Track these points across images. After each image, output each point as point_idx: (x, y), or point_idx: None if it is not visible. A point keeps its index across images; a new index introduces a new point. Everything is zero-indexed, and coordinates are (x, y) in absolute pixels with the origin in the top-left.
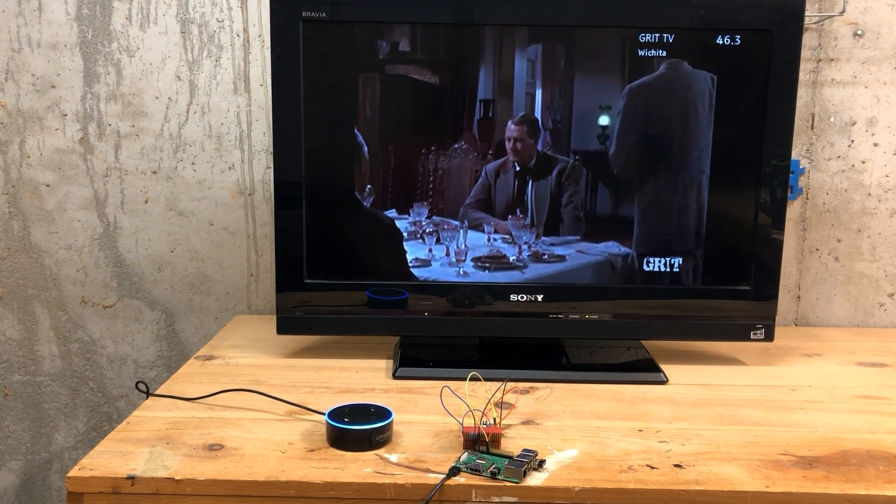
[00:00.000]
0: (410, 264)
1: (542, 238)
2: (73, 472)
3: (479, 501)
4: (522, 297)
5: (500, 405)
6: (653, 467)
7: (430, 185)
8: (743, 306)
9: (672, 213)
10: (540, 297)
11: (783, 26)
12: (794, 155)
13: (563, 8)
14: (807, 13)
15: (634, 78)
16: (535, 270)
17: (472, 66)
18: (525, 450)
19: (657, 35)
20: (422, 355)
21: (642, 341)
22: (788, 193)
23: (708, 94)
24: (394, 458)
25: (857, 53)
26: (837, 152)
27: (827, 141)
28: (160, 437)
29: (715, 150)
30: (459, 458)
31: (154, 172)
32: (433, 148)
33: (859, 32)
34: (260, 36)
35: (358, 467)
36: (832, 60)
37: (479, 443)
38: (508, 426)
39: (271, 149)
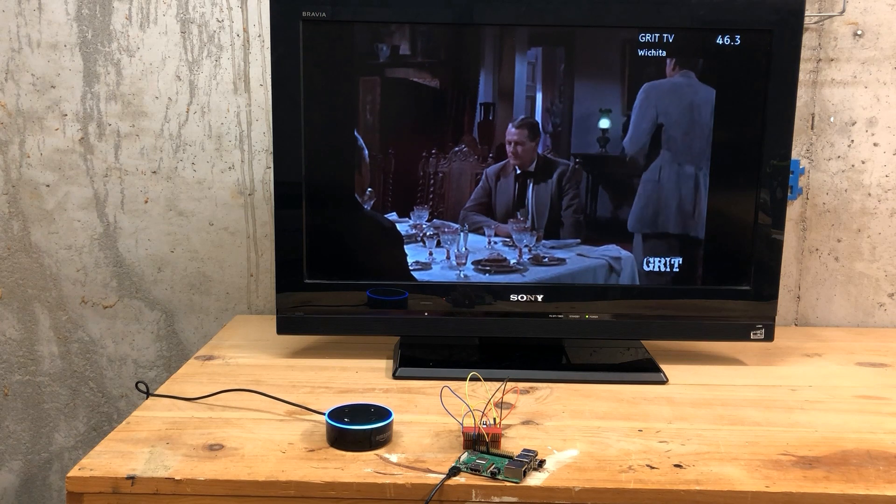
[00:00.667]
0: (411, 267)
1: (543, 241)
2: (73, 472)
3: (479, 501)
4: (522, 297)
5: (500, 405)
6: (653, 467)
7: (431, 189)
8: (743, 306)
9: (672, 213)
10: (540, 297)
11: (783, 26)
12: (794, 155)
13: (563, 8)
14: (807, 13)
15: (635, 79)
16: (535, 274)
17: (473, 69)
18: (525, 450)
19: (657, 35)
20: (422, 355)
21: (642, 341)
22: (788, 193)
23: (711, 104)
24: (394, 458)
25: (857, 53)
26: (837, 152)
27: (827, 141)
28: (160, 437)
29: (715, 150)
30: (459, 458)
31: (154, 172)
32: (434, 151)
33: (859, 32)
34: (260, 36)
35: (358, 467)
36: (832, 60)
37: (479, 443)
38: (508, 426)
39: (271, 149)
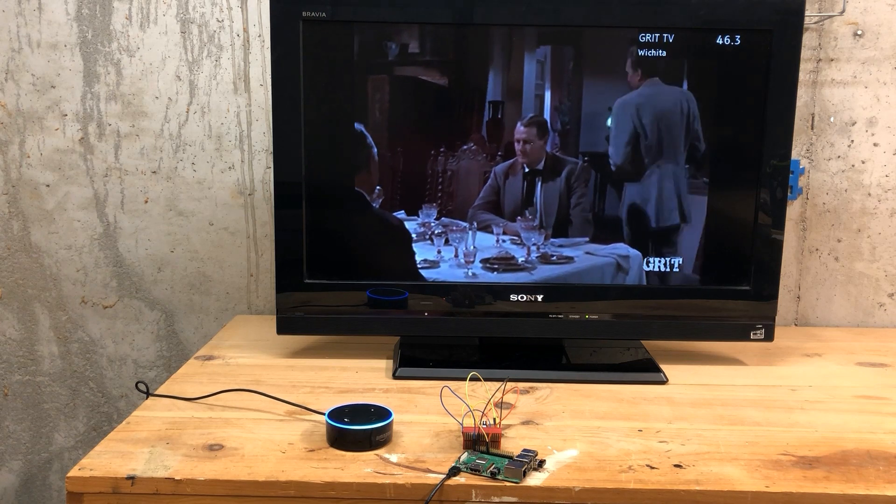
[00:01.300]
0: (419, 265)
1: (551, 239)
2: (73, 472)
3: (479, 501)
4: (522, 297)
5: (500, 405)
6: (653, 467)
7: (440, 187)
8: (743, 306)
9: (672, 212)
10: (540, 297)
11: (783, 26)
12: (794, 155)
13: (562, 8)
14: (807, 13)
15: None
16: (543, 272)
17: (481, 68)
18: (525, 450)
19: (657, 35)
20: (422, 355)
21: (642, 341)
22: (788, 193)
23: (684, 105)
24: (394, 458)
25: (857, 53)
26: (837, 152)
27: (827, 141)
28: (160, 437)
29: (715, 150)
30: (459, 458)
31: (154, 172)
32: (442, 149)
33: (859, 32)
34: (260, 36)
35: (358, 467)
36: (832, 60)
37: (479, 443)
38: (508, 426)
39: (271, 149)
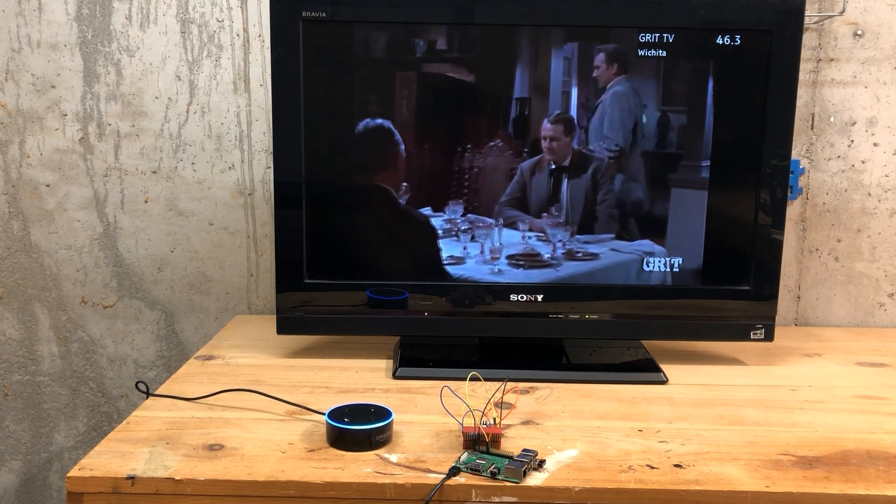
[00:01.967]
0: (445, 262)
1: (577, 236)
2: (73, 472)
3: (479, 501)
4: (522, 297)
5: (500, 405)
6: (653, 467)
7: (466, 184)
8: (743, 306)
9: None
10: (540, 297)
11: (783, 26)
12: (794, 155)
13: (562, 8)
14: (807, 13)
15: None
16: (568, 268)
17: (508, 65)
18: (525, 450)
19: (657, 35)
20: (422, 355)
21: (642, 341)
22: (788, 193)
23: (655, 102)
24: (394, 458)
25: (857, 53)
26: (837, 152)
27: (827, 141)
28: (160, 437)
29: (715, 149)
30: (459, 458)
31: (154, 172)
32: (469, 146)
33: (859, 32)
34: (260, 36)
35: (358, 467)
36: (832, 60)
37: (479, 443)
38: (508, 426)
39: (271, 149)
